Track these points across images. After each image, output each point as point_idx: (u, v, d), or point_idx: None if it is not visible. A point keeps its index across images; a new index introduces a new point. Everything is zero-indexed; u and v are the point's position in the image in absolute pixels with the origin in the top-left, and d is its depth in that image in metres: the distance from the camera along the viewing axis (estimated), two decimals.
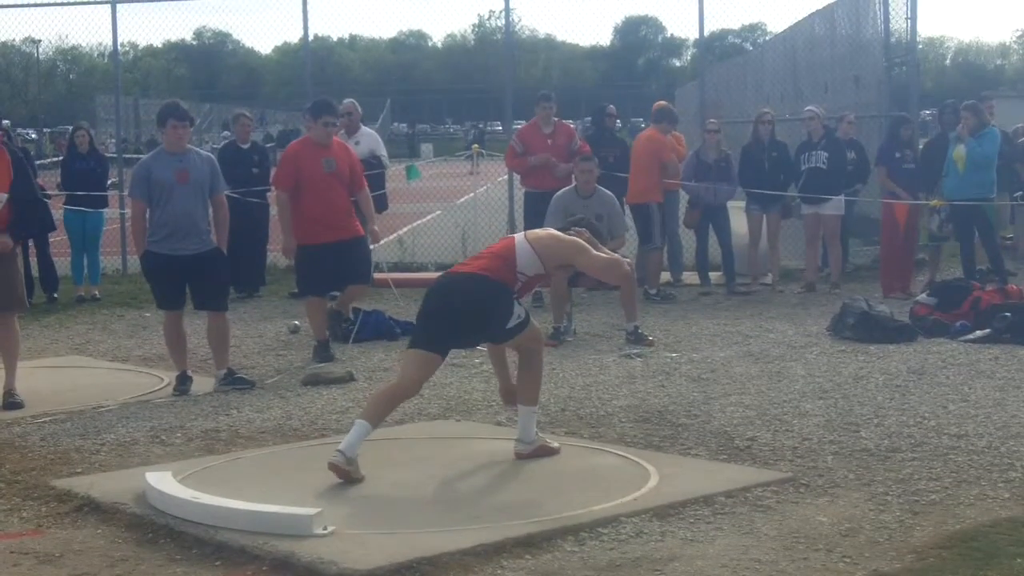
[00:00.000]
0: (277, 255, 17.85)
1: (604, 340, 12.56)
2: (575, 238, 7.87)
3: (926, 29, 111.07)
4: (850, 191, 15.99)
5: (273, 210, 16.66)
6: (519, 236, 7.92)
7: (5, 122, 19.83)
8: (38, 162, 18.38)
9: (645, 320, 12.90)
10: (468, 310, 7.58)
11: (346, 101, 15.29)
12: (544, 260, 7.74)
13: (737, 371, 10.73)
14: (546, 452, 7.94)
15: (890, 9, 18.02)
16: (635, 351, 11.70)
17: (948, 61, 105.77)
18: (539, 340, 8.08)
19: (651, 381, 10.39)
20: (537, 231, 8.10)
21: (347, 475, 7.28)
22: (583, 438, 8.52)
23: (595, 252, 7.86)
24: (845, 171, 15.80)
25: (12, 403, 10.02)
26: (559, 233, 7.94)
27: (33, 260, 16.29)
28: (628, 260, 12.86)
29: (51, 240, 16.57)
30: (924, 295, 13.10)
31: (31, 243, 16.07)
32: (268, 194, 16.65)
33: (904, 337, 11.92)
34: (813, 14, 23.01)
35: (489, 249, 8.02)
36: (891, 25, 18.20)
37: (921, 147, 16.58)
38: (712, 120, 16.95)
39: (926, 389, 9.80)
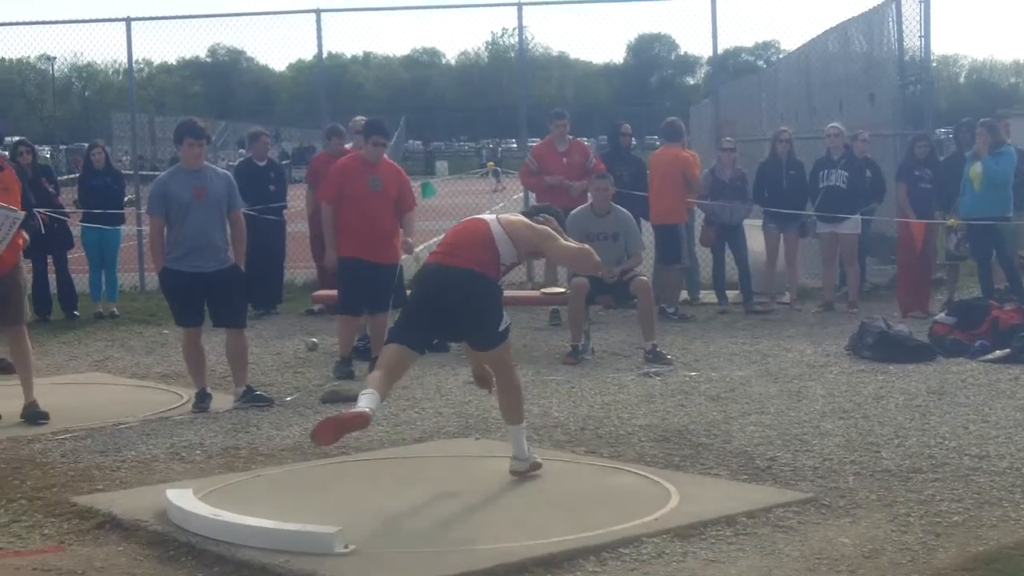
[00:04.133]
0: (294, 272, 17.94)
1: (622, 359, 12.55)
2: (545, 227, 7.84)
3: (940, 47, 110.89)
4: (866, 210, 15.97)
5: (290, 227, 16.80)
6: (492, 221, 7.77)
7: (13, 138, 19.84)
8: None
9: (663, 339, 12.89)
10: (468, 307, 7.54)
11: (357, 119, 15.33)
12: (517, 247, 7.71)
13: (756, 390, 10.71)
14: (536, 467, 7.93)
15: (904, 27, 18.00)
16: (654, 370, 11.69)
17: (962, 79, 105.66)
18: (512, 357, 8.04)
19: (670, 400, 10.38)
20: (508, 215, 7.98)
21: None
22: (602, 457, 8.50)
23: (565, 241, 7.87)
24: (864, 190, 15.78)
25: (36, 414, 10.08)
26: (529, 220, 7.89)
27: (52, 277, 16.35)
28: (638, 271, 12.93)
29: (69, 257, 16.61)
30: (943, 314, 13.07)
31: (50, 260, 16.17)
32: (285, 211, 16.71)
33: (923, 357, 11.90)
34: (827, 32, 22.99)
35: (466, 236, 7.76)
36: (905, 43, 18.16)
37: None
38: (727, 138, 16.94)
39: (946, 409, 9.78)
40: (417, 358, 7.72)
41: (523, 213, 8.14)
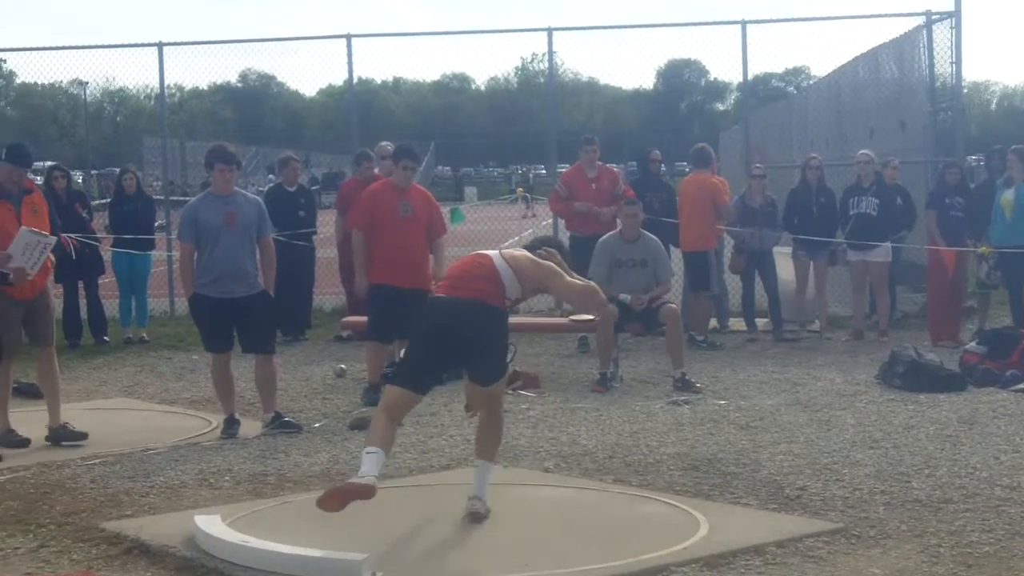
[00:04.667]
0: (323, 298, 17.97)
1: (651, 387, 12.52)
2: (549, 262, 7.73)
3: (972, 73, 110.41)
4: (896, 237, 15.92)
5: (320, 252, 16.82)
6: (495, 257, 7.63)
7: (46, 163, 19.94)
8: None
9: (692, 367, 12.85)
10: (479, 338, 7.43)
11: (383, 144, 15.35)
12: (521, 282, 7.59)
13: (786, 419, 10.67)
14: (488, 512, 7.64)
15: (935, 53, 17.97)
16: (683, 398, 11.66)
17: (994, 106, 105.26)
18: (504, 393, 7.97)
19: (699, 428, 10.34)
20: (512, 251, 7.84)
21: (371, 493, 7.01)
22: (631, 486, 8.47)
23: (570, 278, 7.75)
24: (895, 218, 15.74)
25: (73, 434, 10.23)
26: (532, 256, 7.75)
27: (82, 302, 16.42)
28: (667, 298, 12.91)
29: (100, 282, 16.67)
30: (974, 343, 13.01)
31: (80, 285, 16.25)
32: (314, 237, 16.75)
33: (954, 386, 11.83)
34: (857, 58, 22.96)
35: (470, 269, 7.63)
36: (936, 69, 18.13)
37: None
38: (758, 165, 16.91)
39: (977, 439, 9.72)
40: (420, 401, 7.69)
41: (525, 246, 7.99)
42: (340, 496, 6.92)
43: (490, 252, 7.75)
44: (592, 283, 8.09)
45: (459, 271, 7.70)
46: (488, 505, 7.61)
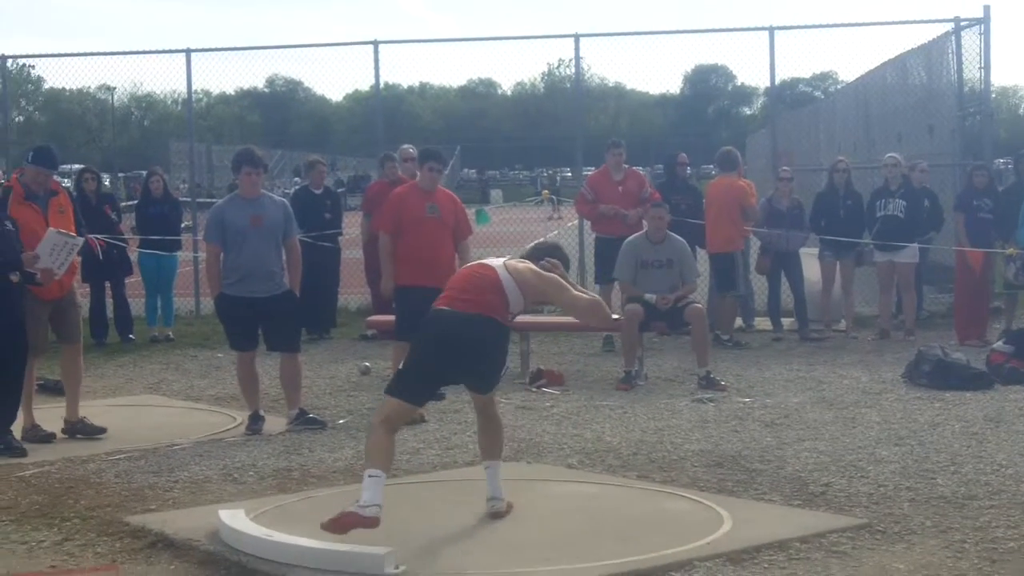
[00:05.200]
0: (348, 298, 18.00)
1: (676, 384, 12.51)
2: (553, 274, 7.59)
3: (1000, 78, 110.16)
4: (923, 239, 15.87)
5: (345, 253, 16.86)
6: (499, 268, 7.48)
7: (72, 166, 20.04)
8: None
9: (717, 365, 12.82)
10: (482, 352, 7.37)
11: (405, 147, 15.36)
12: (524, 295, 7.46)
13: (811, 417, 10.64)
14: (510, 507, 7.70)
15: (963, 58, 17.92)
16: (707, 396, 11.64)
17: (1022, 110, 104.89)
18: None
19: (724, 426, 10.32)
20: (515, 262, 7.66)
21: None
22: (655, 482, 8.46)
23: (575, 291, 7.62)
24: (921, 220, 15.69)
25: (93, 428, 10.35)
26: (536, 268, 7.60)
27: (109, 301, 16.48)
28: (692, 298, 12.88)
29: (126, 282, 16.74)
30: (1001, 343, 12.95)
31: (108, 285, 16.33)
32: (340, 238, 16.79)
33: (980, 385, 11.78)
34: (885, 63, 22.91)
35: (474, 281, 7.49)
36: (964, 74, 18.08)
37: None
38: (785, 168, 16.87)
39: (1003, 437, 9.68)
40: (416, 412, 7.66)
41: (525, 255, 7.85)
42: (345, 524, 6.84)
43: (494, 262, 7.59)
44: (598, 298, 7.98)
45: (462, 282, 7.55)
46: (506, 499, 7.63)
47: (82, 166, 18.25)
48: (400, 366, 7.53)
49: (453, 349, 7.28)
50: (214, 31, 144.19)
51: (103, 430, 10.39)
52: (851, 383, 12.32)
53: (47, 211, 10.23)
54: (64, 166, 12.45)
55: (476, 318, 7.29)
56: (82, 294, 12.00)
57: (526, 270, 7.53)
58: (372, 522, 6.78)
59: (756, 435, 9.92)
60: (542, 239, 8.51)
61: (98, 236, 14.46)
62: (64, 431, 10.35)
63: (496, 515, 7.55)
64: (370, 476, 6.94)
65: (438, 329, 7.36)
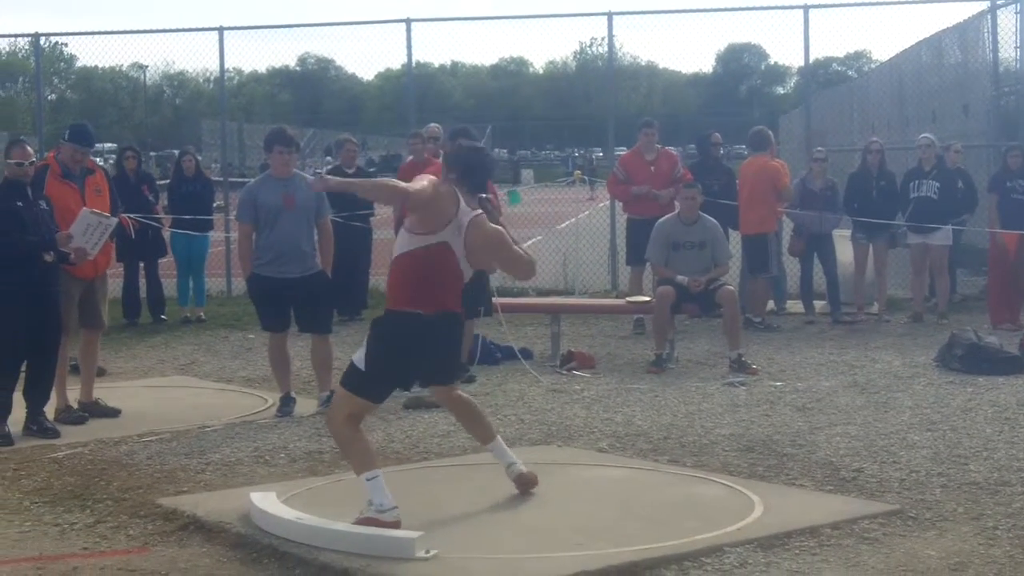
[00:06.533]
0: (379, 279, 17.97)
1: (707, 368, 12.48)
2: (498, 230, 7.28)
3: None
4: (957, 220, 15.78)
5: (377, 234, 16.84)
6: (455, 245, 7.14)
7: (105, 145, 20.13)
8: None
9: (748, 348, 12.78)
10: (449, 350, 7.41)
11: (431, 125, 15.33)
12: (472, 265, 7.34)
13: (842, 401, 10.61)
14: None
15: (999, 38, 17.81)
16: (739, 379, 11.61)
17: None
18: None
19: (755, 410, 10.29)
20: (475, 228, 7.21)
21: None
22: (686, 466, 8.45)
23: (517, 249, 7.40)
24: (956, 201, 15.60)
25: (105, 410, 10.50)
26: (486, 230, 7.22)
27: (142, 281, 16.53)
28: (724, 280, 12.83)
29: (159, 262, 16.78)
30: None
31: (141, 266, 16.37)
32: (372, 218, 16.77)
33: (1014, 369, 11.70)
34: (920, 42, 22.81)
35: (438, 274, 7.20)
36: (1000, 54, 17.99)
37: None
38: (819, 148, 16.78)
39: None
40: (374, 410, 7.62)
41: (447, 162, 7.51)
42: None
43: (450, 240, 7.17)
44: (533, 258, 7.65)
45: (427, 280, 7.20)
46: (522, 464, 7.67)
47: (115, 145, 18.31)
48: (362, 364, 7.28)
49: (416, 355, 7.22)
50: (246, 9, 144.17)
51: (117, 412, 10.47)
52: (883, 367, 12.27)
53: (84, 190, 10.28)
54: (97, 145, 12.53)
55: (445, 317, 7.24)
56: (116, 274, 12.02)
57: (479, 239, 7.22)
58: (395, 525, 6.79)
59: (787, 419, 9.89)
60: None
61: (131, 215, 14.50)
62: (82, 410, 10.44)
63: (521, 479, 7.61)
64: (368, 480, 6.94)
65: (401, 335, 7.20)
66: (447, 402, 7.84)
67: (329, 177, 7.70)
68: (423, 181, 7.23)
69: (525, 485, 7.64)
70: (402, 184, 7.41)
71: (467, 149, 7.66)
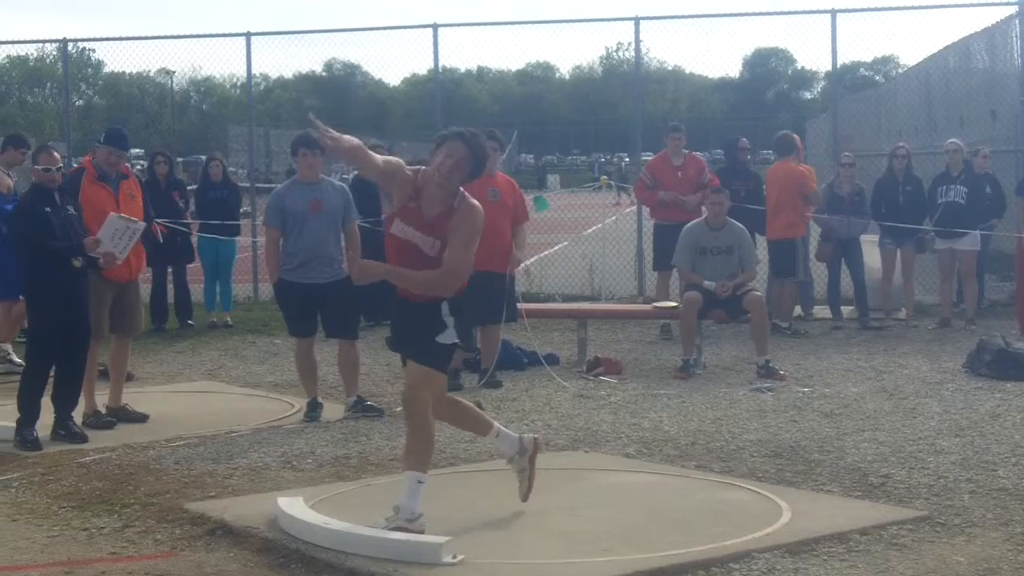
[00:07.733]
0: None
1: (734, 373, 12.45)
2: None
3: None
4: (985, 226, 15.72)
5: None
6: (427, 247, 7.27)
7: (137, 150, 20.19)
8: None
9: (776, 354, 12.75)
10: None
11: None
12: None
13: (870, 407, 10.57)
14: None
15: None
16: (766, 385, 11.58)
17: None
18: None
19: (782, 416, 10.27)
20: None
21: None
22: (713, 472, 8.43)
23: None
24: (983, 206, 15.54)
25: (133, 415, 10.51)
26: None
27: (169, 287, 16.57)
28: (751, 286, 12.79)
29: (187, 268, 16.82)
30: None
31: (169, 271, 16.41)
32: None
33: None
34: (947, 47, 22.74)
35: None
36: None
37: None
38: (847, 154, 16.73)
39: None
40: None
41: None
42: None
43: (420, 240, 7.28)
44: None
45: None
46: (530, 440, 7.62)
47: (143, 150, 18.37)
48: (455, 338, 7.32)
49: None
50: (273, 15, 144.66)
51: (145, 417, 10.48)
52: (911, 373, 12.22)
53: (118, 193, 10.32)
54: None
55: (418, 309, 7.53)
56: (144, 280, 12.06)
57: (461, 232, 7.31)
58: (420, 533, 6.79)
59: (815, 425, 9.86)
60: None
61: (159, 220, 14.53)
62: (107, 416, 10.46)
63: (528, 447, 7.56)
64: (419, 482, 6.89)
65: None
66: (435, 413, 7.41)
67: (367, 262, 7.63)
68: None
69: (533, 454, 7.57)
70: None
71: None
